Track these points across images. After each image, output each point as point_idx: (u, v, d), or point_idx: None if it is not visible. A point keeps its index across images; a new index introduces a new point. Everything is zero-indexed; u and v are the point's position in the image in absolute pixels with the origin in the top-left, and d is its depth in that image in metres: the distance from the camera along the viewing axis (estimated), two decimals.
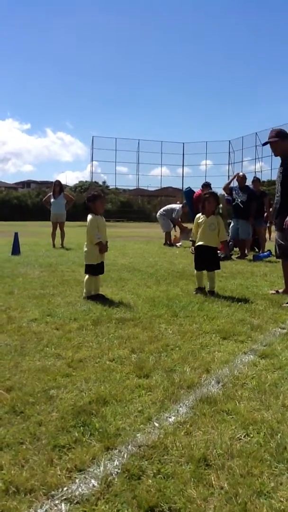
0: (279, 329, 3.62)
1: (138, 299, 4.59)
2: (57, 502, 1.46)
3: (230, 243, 9.44)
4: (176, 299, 4.62)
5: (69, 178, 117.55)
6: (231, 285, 5.63)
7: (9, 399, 2.18)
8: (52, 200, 11.04)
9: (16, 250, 8.68)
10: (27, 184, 68.71)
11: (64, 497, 1.48)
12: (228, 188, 9.70)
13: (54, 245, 10.65)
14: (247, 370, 2.66)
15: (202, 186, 10.59)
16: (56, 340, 3.17)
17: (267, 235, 11.99)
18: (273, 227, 8.78)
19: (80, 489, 1.52)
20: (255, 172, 40.79)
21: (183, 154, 49.11)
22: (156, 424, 1.98)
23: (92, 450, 1.75)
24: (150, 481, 1.56)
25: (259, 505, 1.45)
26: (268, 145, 4.93)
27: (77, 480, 1.57)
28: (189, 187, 13.08)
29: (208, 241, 5.05)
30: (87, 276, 4.66)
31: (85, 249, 4.74)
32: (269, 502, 1.47)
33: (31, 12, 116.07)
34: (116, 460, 1.69)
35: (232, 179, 9.89)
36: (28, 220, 33.53)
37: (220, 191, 12.25)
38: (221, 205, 8.42)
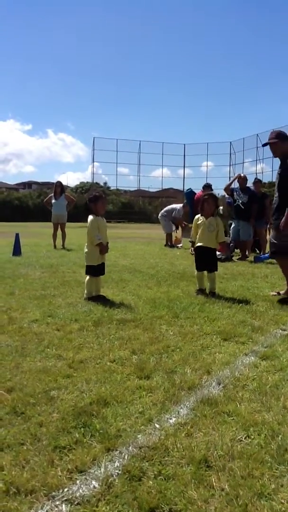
0: (280, 331, 3.62)
1: (139, 300, 4.60)
2: (57, 503, 1.46)
3: (231, 244, 9.44)
4: (177, 300, 4.62)
5: (70, 179, 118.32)
6: (232, 287, 5.62)
7: (10, 400, 2.18)
8: (53, 201, 11.06)
9: (17, 251, 8.69)
10: (28, 185, 68.86)
11: (65, 498, 1.48)
12: (229, 189, 9.70)
13: (55, 246, 10.65)
14: (248, 372, 2.66)
15: (203, 188, 10.60)
16: (57, 341, 3.17)
17: (268, 237, 11.97)
18: None
19: (80, 490, 1.52)
20: (256, 173, 40.71)
21: (184, 155, 49.03)
22: (157, 426, 1.97)
23: (93, 451, 1.75)
24: (150, 482, 1.56)
25: (260, 507, 1.45)
26: (268, 147, 4.97)
27: (77, 481, 1.57)
28: (190, 188, 13.13)
29: (207, 242, 5.09)
30: (88, 277, 4.67)
31: (86, 250, 4.74)
32: (270, 504, 1.47)
33: (31, 12, 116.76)
34: (116, 461, 1.69)
35: (233, 180, 9.90)
36: (29, 221, 33.54)
37: (221, 192, 12.27)
38: (221, 207, 8.41)
